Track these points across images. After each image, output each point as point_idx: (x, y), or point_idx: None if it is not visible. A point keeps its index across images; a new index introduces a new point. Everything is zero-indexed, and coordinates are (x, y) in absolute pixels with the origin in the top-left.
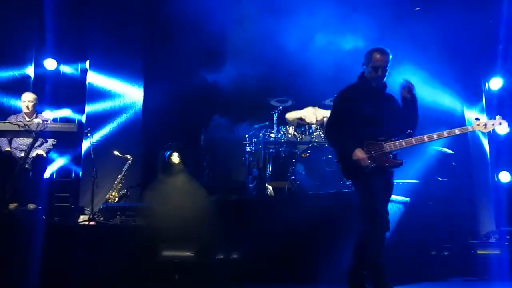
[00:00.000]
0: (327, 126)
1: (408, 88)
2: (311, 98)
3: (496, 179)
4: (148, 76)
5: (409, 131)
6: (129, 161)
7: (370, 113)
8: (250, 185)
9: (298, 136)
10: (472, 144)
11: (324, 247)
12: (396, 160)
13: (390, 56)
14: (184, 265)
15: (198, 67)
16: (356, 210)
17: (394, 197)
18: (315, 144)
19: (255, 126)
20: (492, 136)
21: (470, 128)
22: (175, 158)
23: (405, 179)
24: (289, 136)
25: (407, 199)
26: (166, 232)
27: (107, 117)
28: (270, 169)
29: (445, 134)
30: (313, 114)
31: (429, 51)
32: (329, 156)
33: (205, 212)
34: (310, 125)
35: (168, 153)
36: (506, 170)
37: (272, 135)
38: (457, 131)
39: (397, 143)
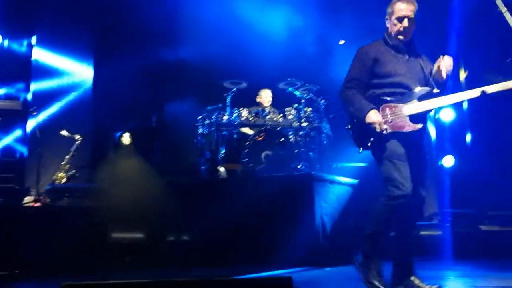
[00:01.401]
0: (342, 85)
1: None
2: (266, 81)
3: (440, 163)
4: (99, 54)
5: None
6: (78, 141)
7: (391, 72)
8: (202, 168)
9: (251, 118)
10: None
11: (275, 230)
12: (414, 123)
13: (416, 6)
14: (134, 247)
15: (151, 46)
16: None
17: (342, 179)
18: (268, 127)
19: (208, 108)
20: (437, 121)
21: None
22: (126, 138)
23: (353, 162)
24: (242, 118)
25: (355, 181)
26: (115, 214)
27: (55, 96)
28: (223, 152)
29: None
30: (268, 97)
31: None
32: (282, 139)
33: (156, 194)
34: (264, 108)
35: (118, 133)
36: (451, 154)
37: (225, 117)
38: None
39: (418, 105)
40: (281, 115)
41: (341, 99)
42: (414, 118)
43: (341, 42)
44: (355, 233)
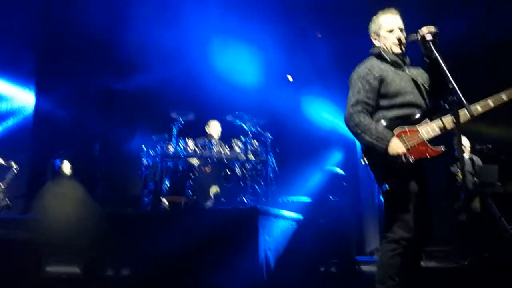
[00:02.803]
0: (347, 112)
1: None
2: (213, 113)
3: (381, 197)
4: (41, 79)
5: (443, 104)
6: (14, 169)
7: (399, 91)
8: (145, 199)
9: (198, 150)
10: (361, 165)
11: (218, 264)
12: (436, 148)
13: (400, 14)
14: (71, 281)
15: (96, 72)
16: None
17: (287, 213)
18: (215, 159)
19: (154, 137)
20: None
21: None
22: (66, 167)
23: (299, 196)
24: (189, 150)
25: (300, 216)
26: (51, 246)
27: None
28: (167, 183)
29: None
30: (216, 128)
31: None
32: (228, 172)
33: (95, 226)
34: (211, 140)
35: (58, 161)
36: None
37: (171, 148)
38: (504, 97)
39: (436, 126)
40: (228, 147)
41: (350, 127)
42: (434, 140)
43: (289, 77)
44: (298, 267)
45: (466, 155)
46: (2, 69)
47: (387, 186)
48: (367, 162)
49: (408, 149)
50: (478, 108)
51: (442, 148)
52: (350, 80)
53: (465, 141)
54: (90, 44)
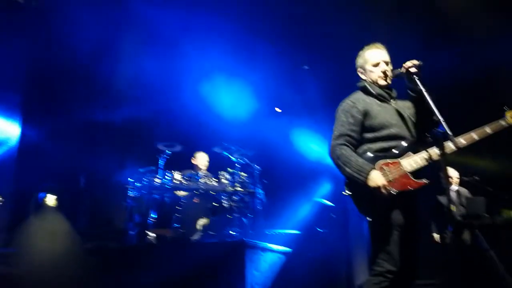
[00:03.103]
0: (331, 144)
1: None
2: (201, 144)
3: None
4: (27, 110)
5: (428, 136)
6: None
7: (385, 124)
8: (131, 232)
9: (184, 182)
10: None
11: None
12: (419, 180)
13: (386, 49)
14: None
15: (82, 105)
16: None
17: (275, 246)
18: (202, 191)
19: (140, 170)
20: None
21: (504, 124)
22: (50, 200)
23: (286, 229)
24: (176, 182)
25: (289, 249)
26: (32, 282)
27: None
28: (153, 216)
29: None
30: (204, 160)
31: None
32: (215, 204)
33: (79, 260)
34: (198, 171)
35: (43, 194)
36: None
37: (158, 180)
38: (488, 130)
39: (417, 158)
40: (215, 179)
41: (333, 159)
42: (417, 173)
43: (277, 109)
44: None
45: (455, 187)
46: None
47: (369, 218)
48: (349, 193)
49: (389, 181)
50: (462, 141)
51: (425, 180)
52: (335, 114)
53: (453, 173)
54: (75, 76)
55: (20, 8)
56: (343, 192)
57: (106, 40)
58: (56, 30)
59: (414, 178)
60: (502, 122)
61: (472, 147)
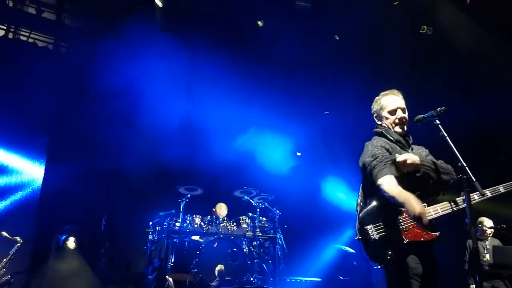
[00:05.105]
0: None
1: None
2: (221, 188)
3: None
4: (52, 153)
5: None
6: (18, 244)
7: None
8: (150, 277)
9: (204, 226)
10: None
11: None
12: (433, 232)
13: (402, 96)
14: None
15: (104, 149)
16: None
17: None
18: (221, 236)
19: (161, 213)
20: None
21: None
22: (71, 243)
23: (307, 277)
24: (195, 226)
25: None
26: None
27: (1, 194)
28: (172, 260)
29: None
30: (223, 209)
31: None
32: (234, 249)
33: None
34: (218, 216)
35: (63, 237)
36: None
37: (178, 224)
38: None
39: (431, 210)
40: (235, 224)
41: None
42: (431, 225)
43: (298, 154)
44: None
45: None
46: (16, 144)
47: (378, 265)
48: (360, 239)
49: (403, 231)
50: (487, 193)
51: (438, 233)
52: (362, 160)
53: (488, 223)
54: (99, 124)
55: (49, 54)
56: (355, 238)
57: (135, 90)
58: (84, 76)
59: (430, 229)
60: None
61: (500, 196)
